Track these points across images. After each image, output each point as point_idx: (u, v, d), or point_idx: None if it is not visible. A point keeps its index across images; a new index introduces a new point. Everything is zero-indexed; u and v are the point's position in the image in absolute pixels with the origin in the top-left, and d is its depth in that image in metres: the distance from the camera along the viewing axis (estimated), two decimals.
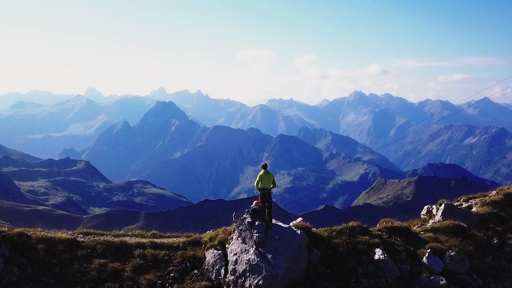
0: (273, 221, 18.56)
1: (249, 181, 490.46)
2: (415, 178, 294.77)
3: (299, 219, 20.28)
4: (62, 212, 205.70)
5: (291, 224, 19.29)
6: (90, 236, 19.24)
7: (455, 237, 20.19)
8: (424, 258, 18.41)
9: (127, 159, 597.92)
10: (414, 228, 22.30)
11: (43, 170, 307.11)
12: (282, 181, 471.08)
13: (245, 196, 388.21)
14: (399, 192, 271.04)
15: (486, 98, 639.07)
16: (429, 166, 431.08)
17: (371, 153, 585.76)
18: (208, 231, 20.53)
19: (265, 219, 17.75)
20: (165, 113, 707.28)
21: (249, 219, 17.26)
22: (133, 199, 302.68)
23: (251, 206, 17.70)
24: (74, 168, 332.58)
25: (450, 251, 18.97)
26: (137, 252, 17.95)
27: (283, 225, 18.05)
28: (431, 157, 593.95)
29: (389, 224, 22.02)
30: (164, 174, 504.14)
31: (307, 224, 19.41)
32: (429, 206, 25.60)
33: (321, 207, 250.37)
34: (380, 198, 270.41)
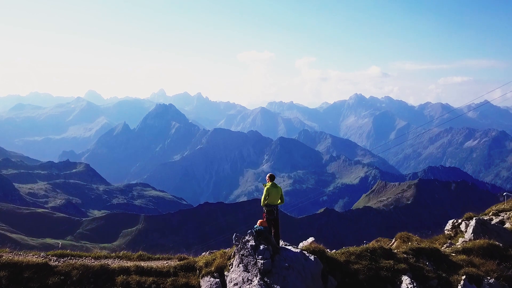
0: (281, 243, 15.96)
1: (249, 184, 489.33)
2: (416, 181, 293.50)
3: (311, 239, 17.78)
4: (61, 214, 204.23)
5: (301, 245, 16.98)
6: (65, 258, 16.53)
7: (491, 260, 17.49)
8: (459, 287, 15.85)
9: (127, 162, 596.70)
10: (443, 248, 19.40)
11: (42, 172, 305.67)
12: (282, 184, 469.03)
13: (245, 199, 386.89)
14: (400, 195, 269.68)
15: (486, 101, 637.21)
16: (429, 169, 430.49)
17: (371, 156, 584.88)
18: (203, 253, 17.87)
19: (271, 242, 15.08)
20: (165, 115, 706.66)
21: (252, 242, 14.60)
22: (133, 202, 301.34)
23: (255, 226, 15.17)
24: (74, 170, 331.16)
25: (488, 277, 16.43)
26: (119, 279, 15.23)
27: (293, 249, 15.29)
28: (431, 160, 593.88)
29: (413, 243, 19.22)
30: (164, 176, 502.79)
31: (321, 246, 16.84)
32: (455, 221, 22.57)
33: (321, 210, 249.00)
34: (380, 201, 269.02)
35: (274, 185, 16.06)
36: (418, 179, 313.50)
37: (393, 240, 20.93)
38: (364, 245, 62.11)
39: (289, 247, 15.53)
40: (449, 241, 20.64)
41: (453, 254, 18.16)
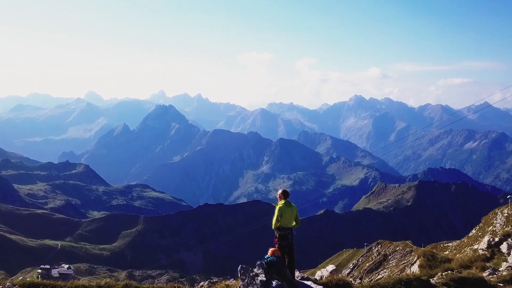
0: (296, 274, 13.24)
1: (249, 185, 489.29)
2: (416, 182, 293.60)
3: (330, 267, 15.23)
4: (61, 216, 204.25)
5: (319, 274, 14.78)
6: None
7: None
8: None
9: (127, 163, 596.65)
10: (486, 275, 16.13)
11: (42, 173, 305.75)
12: (282, 185, 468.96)
13: (244, 200, 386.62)
14: (399, 196, 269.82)
15: (486, 102, 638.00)
16: (429, 171, 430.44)
17: (371, 158, 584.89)
18: (202, 283, 15.57)
19: (286, 276, 12.16)
20: (165, 116, 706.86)
21: (262, 277, 11.67)
22: (133, 203, 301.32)
23: (266, 256, 12.24)
24: (73, 171, 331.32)
25: None
26: None
27: (313, 285, 12.65)
28: (431, 162, 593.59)
29: (438, 263, 16.79)
30: (163, 177, 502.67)
31: (346, 278, 14.61)
32: (491, 239, 19.12)
33: (321, 211, 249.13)
34: (380, 202, 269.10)
35: (288, 204, 13.24)
36: (418, 180, 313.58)
37: (415, 258, 18.11)
38: (365, 247, 61.57)
39: (308, 282, 12.96)
40: (488, 264, 17.27)
41: (500, 284, 15.02)
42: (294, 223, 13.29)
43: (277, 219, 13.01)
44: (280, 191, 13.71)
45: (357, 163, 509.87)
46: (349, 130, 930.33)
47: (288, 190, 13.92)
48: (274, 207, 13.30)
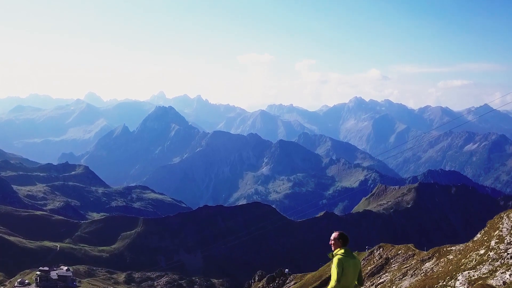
0: None
1: (249, 187, 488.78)
2: (416, 184, 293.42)
3: None
4: (60, 217, 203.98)
5: None
6: None
7: None
8: None
9: (126, 164, 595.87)
10: None
11: (41, 174, 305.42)
12: (282, 187, 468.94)
13: (244, 201, 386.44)
14: (399, 198, 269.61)
15: (486, 104, 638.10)
16: (429, 173, 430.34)
17: (371, 159, 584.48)
18: None
19: None
20: (164, 117, 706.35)
21: None
22: (132, 205, 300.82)
23: None
24: (73, 172, 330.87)
25: None
26: None
27: None
28: (431, 164, 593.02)
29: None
30: (163, 179, 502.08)
31: None
32: None
33: (321, 213, 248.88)
34: (380, 204, 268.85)
35: (349, 254, 9.71)
36: (418, 182, 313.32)
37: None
38: (367, 250, 61.34)
39: None
40: None
41: None
42: (355, 282, 9.61)
43: (338, 279, 9.20)
44: (335, 235, 9.98)
45: (357, 165, 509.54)
46: (349, 132, 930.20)
47: (347, 236, 10.08)
48: (331, 259, 9.77)
